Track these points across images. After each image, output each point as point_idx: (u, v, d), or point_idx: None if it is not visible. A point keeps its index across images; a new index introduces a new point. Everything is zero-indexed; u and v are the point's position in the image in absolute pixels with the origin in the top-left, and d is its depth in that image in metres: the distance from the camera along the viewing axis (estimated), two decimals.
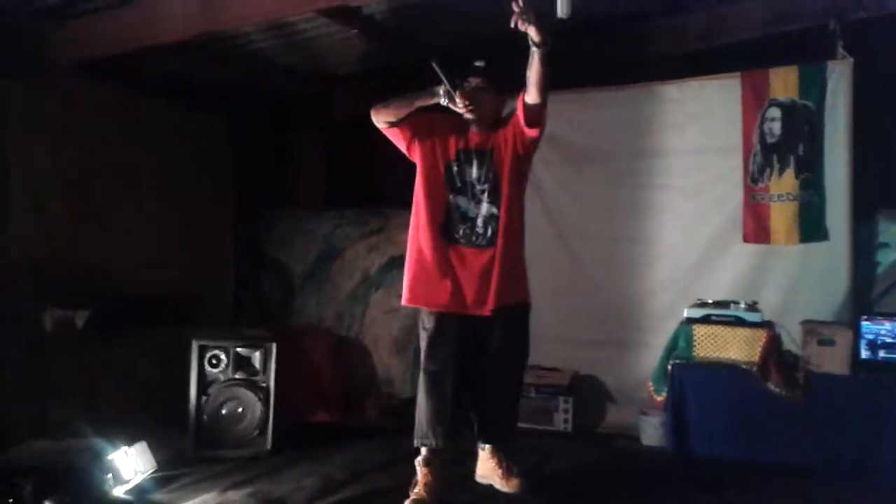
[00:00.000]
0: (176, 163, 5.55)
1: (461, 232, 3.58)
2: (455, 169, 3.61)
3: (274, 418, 4.27)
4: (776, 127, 4.89)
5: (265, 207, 6.42)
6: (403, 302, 3.71)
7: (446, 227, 3.59)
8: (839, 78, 4.67)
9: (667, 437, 4.33)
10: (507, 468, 3.68)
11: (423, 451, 3.57)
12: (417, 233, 3.63)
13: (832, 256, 4.67)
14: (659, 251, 5.16)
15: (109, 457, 3.53)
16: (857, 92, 4.62)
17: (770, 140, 4.90)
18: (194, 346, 4.23)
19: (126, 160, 5.14)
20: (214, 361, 4.25)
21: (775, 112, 4.88)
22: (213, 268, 5.99)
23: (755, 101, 4.92)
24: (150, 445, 3.85)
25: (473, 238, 3.58)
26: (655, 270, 5.17)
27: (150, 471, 3.79)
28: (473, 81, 3.55)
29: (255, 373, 4.30)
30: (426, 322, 3.61)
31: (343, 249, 6.16)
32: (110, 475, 3.46)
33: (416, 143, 3.62)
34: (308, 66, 5.73)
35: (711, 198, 5.04)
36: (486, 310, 3.53)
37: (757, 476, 3.85)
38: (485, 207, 3.57)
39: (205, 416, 4.19)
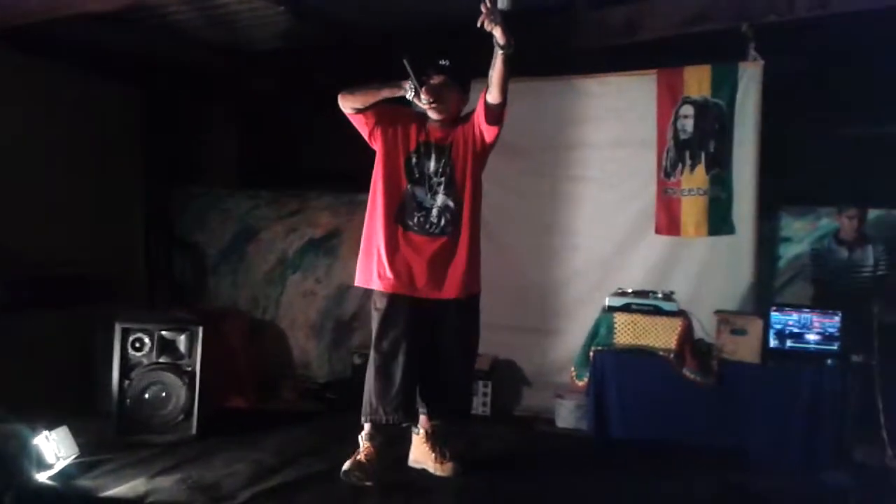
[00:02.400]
0: (86, 136, 5.35)
1: (415, 220, 3.65)
2: (414, 160, 3.69)
3: (199, 403, 4.19)
4: (689, 124, 5.08)
5: (178, 185, 6.24)
6: (357, 283, 3.77)
7: (401, 214, 3.67)
8: (750, 79, 4.90)
9: (588, 421, 4.49)
10: (441, 452, 3.79)
11: (368, 427, 3.65)
12: (373, 218, 3.70)
13: (738, 249, 4.93)
14: (577, 241, 5.32)
15: (33, 442, 3.42)
16: (766, 93, 4.86)
17: (683, 136, 5.10)
18: (117, 328, 4.11)
19: (34, 132, 4.91)
20: (138, 345, 4.14)
21: (688, 110, 5.08)
22: (124, 246, 5.80)
23: (670, 98, 5.11)
24: (70, 430, 3.72)
25: (427, 227, 3.65)
26: (573, 259, 5.32)
27: (73, 456, 3.67)
28: (437, 79, 3.62)
29: (181, 357, 4.21)
30: (378, 302, 3.68)
31: (259, 230, 6.08)
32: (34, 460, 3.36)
33: (379, 130, 3.68)
34: (228, 40, 5.60)
35: (627, 190, 5.22)
36: (441, 294, 3.63)
37: (672, 458, 4.02)
38: (440, 199, 3.66)
39: (128, 401, 4.08)
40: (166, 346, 4.21)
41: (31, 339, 4.61)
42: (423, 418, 3.82)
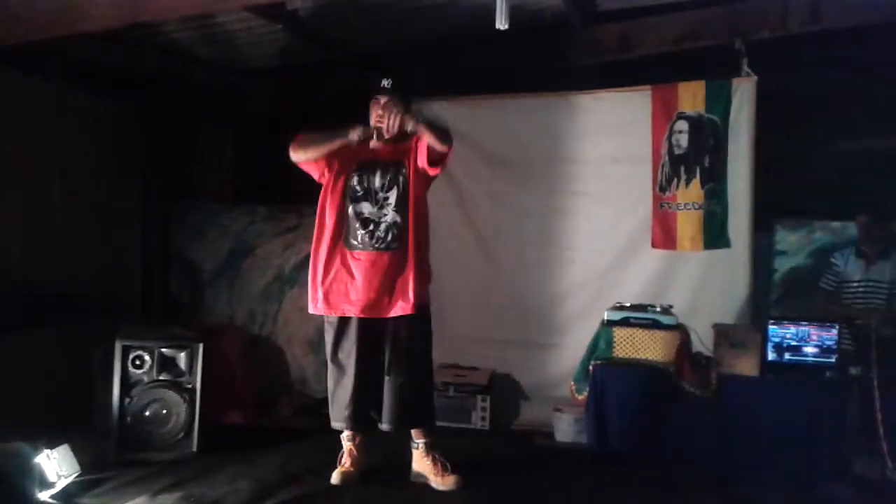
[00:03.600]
0: (83, 153, 5.32)
1: (359, 238, 3.76)
2: (356, 178, 3.80)
3: (199, 420, 4.18)
4: (683, 139, 5.12)
5: (174, 201, 6.24)
6: (310, 310, 3.86)
7: (346, 234, 3.78)
8: (743, 94, 4.96)
9: (587, 435, 4.51)
10: (443, 465, 3.82)
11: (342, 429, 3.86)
12: (319, 242, 3.82)
13: (734, 263, 4.97)
14: (573, 255, 5.35)
15: (35, 460, 3.40)
16: (760, 108, 4.92)
17: (678, 151, 5.14)
18: (117, 346, 4.10)
19: (30, 148, 4.89)
20: (138, 362, 4.13)
21: (683, 125, 5.12)
22: (121, 263, 5.77)
23: (664, 113, 5.16)
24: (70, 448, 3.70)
25: (374, 242, 3.75)
26: (569, 274, 5.35)
27: (75, 474, 3.66)
28: (382, 99, 3.74)
29: (181, 374, 4.20)
30: (330, 318, 3.84)
31: (256, 246, 6.07)
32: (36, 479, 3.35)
33: (327, 168, 3.81)
34: (225, 57, 5.63)
35: (623, 205, 5.26)
36: (392, 312, 3.72)
37: (671, 472, 4.05)
38: (389, 215, 3.76)
39: (128, 418, 4.07)
40: (166, 364, 4.21)
41: (29, 357, 4.59)
42: (415, 432, 3.86)
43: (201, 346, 4.23)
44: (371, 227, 3.74)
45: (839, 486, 3.85)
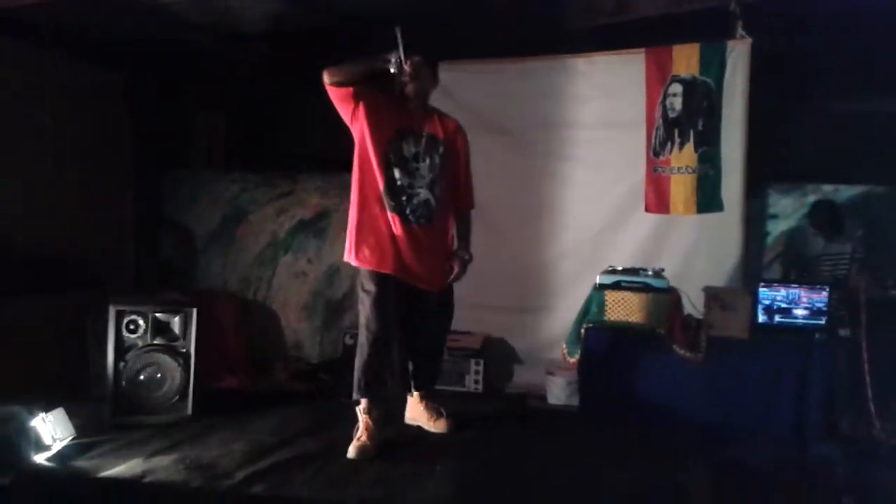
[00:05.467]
0: (74, 121, 5.29)
1: (400, 204, 3.74)
2: (395, 144, 3.74)
3: (194, 384, 4.21)
4: (677, 102, 5.09)
5: (167, 168, 6.22)
6: (352, 261, 3.81)
7: (388, 197, 3.73)
8: (738, 57, 4.91)
9: (579, 397, 4.55)
10: (436, 410, 4.09)
11: (364, 402, 3.79)
12: (362, 199, 3.75)
13: (726, 226, 4.96)
14: (566, 220, 5.35)
15: (30, 424, 3.43)
16: (754, 71, 4.88)
17: (672, 115, 5.11)
18: (111, 311, 4.10)
19: (20, 115, 4.87)
20: (132, 327, 4.14)
21: (677, 88, 5.09)
22: (113, 230, 5.77)
23: (658, 77, 5.12)
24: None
25: (408, 212, 3.75)
26: (562, 238, 5.36)
27: (70, 437, 3.68)
28: (416, 57, 3.64)
29: (175, 338, 4.21)
30: (367, 284, 3.76)
31: (249, 212, 6.08)
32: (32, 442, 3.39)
33: (361, 110, 3.70)
34: (216, 22, 5.55)
35: (616, 169, 5.24)
36: (429, 285, 3.85)
37: (662, 433, 4.08)
38: (420, 188, 3.77)
39: (123, 383, 4.08)
40: (161, 328, 4.21)
41: (22, 325, 4.59)
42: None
43: (195, 310, 4.24)
44: (405, 197, 3.74)
45: (828, 445, 3.90)
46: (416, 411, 4.12)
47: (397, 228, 3.72)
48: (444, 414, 4.09)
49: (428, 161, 3.79)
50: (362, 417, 3.77)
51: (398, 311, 3.78)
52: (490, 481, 3.46)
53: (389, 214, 3.73)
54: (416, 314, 3.90)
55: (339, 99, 3.70)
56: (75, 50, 5.26)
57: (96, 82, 5.60)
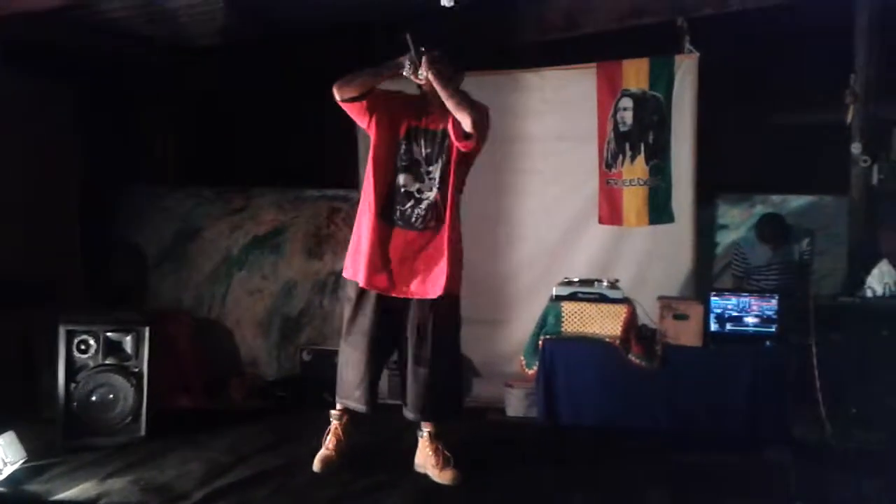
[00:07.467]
0: (20, 134, 5.16)
1: (401, 213, 3.63)
2: (404, 147, 3.64)
3: (147, 404, 4.13)
4: (628, 116, 5.20)
5: (116, 184, 6.10)
6: (343, 274, 3.80)
7: (388, 208, 3.63)
8: (686, 71, 5.04)
9: (538, 408, 4.56)
10: (444, 458, 3.66)
11: (338, 405, 3.75)
12: (362, 210, 3.68)
13: (678, 237, 5.08)
14: (522, 232, 5.40)
15: None
16: (702, 85, 5.00)
17: (623, 129, 5.22)
18: (61, 330, 4.00)
19: None
20: (83, 347, 4.04)
21: (627, 102, 5.19)
22: (60, 247, 5.62)
23: (609, 91, 5.22)
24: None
25: (413, 220, 3.62)
26: (518, 251, 5.41)
27: (21, 461, 3.56)
28: (434, 52, 3.50)
29: (127, 358, 4.13)
30: (350, 292, 3.73)
31: (202, 228, 5.98)
32: None
33: (376, 117, 3.60)
34: (165, 36, 5.51)
35: (570, 182, 5.33)
36: (420, 293, 3.63)
37: (620, 442, 4.14)
38: (430, 190, 3.63)
39: (74, 404, 3.99)
40: (112, 348, 4.12)
41: None
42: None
43: (147, 329, 4.16)
44: (412, 202, 3.61)
45: (780, 449, 3.97)
46: (423, 456, 3.71)
47: (389, 237, 3.61)
48: (452, 463, 3.64)
49: (440, 162, 3.63)
50: (332, 423, 3.73)
51: (377, 325, 3.63)
52: (453, 496, 3.45)
53: (383, 223, 3.61)
54: (413, 333, 3.66)
55: (354, 114, 3.63)
56: (21, 61, 5.14)
57: (44, 96, 5.46)
